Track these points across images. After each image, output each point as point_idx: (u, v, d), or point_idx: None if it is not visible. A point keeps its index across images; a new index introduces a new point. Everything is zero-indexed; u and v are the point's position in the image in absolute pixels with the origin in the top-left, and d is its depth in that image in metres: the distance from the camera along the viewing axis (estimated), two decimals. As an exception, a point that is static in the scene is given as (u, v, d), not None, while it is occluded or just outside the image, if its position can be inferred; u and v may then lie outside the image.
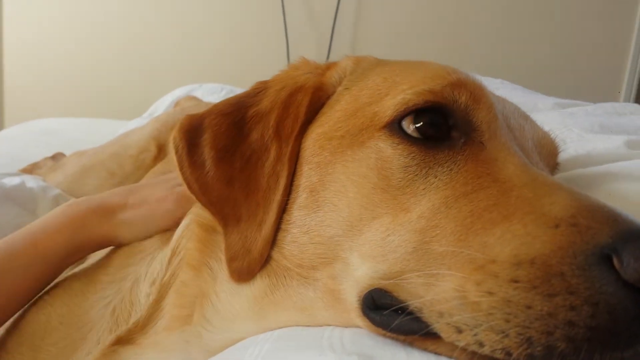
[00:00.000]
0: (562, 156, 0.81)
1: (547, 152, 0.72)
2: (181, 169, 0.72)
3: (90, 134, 2.42)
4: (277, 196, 0.67)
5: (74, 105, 3.59)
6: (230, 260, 0.69)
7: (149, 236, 0.91)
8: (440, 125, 0.61)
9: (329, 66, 0.78)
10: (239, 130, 0.73)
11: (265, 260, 0.68)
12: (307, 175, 0.67)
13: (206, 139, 0.73)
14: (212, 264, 0.74)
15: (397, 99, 0.63)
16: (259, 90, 0.78)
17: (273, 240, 0.68)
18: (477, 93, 0.63)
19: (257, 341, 0.63)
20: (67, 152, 1.93)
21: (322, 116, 0.71)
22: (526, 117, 0.74)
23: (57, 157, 1.94)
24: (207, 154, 0.72)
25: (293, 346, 0.59)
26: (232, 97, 0.79)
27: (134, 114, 2.79)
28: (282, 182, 0.68)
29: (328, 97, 0.73)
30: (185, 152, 0.73)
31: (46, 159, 1.94)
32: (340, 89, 0.73)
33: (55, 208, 0.93)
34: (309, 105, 0.71)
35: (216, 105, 0.77)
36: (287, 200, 0.68)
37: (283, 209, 0.68)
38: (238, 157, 0.72)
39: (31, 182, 1.50)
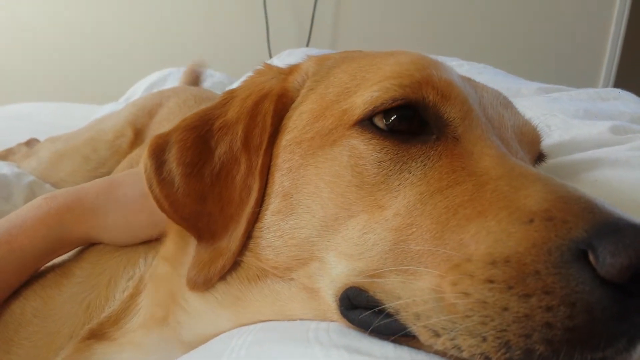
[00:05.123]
0: (547, 142, 0.80)
1: (528, 140, 0.70)
2: (150, 187, 0.71)
3: (64, 118, 2.37)
4: (248, 209, 0.66)
5: (47, 90, 3.50)
6: (190, 268, 0.69)
7: (134, 243, 0.85)
8: (412, 120, 0.60)
9: (292, 70, 0.76)
10: (206, 144, 0.71)
11: (235, 265, 0.67)
12: (279, 182, 0.66)
13: (173, 155, 0.71)
14: (181, 271, 0.73)
15: (365, 96, 0.61)
16: (226, 100, 0.76)
17: (245, 247, 0.67)
18: (446, 90, 0.61)
19: (240, 333, 0.62)
20: (41, 138, 1.89)
21: (289, 121, 0.69)
22: (507, 105, 0.72)
23: (31, 143, 1.91)
24: (175, 170, 0.70)
25: (276, 338, 0.58)
26: (200, 110, 0.77)
27: (109, 98, 2.73)
28: (254, 195, 0.66)
29: (293, 102, 0.71)
30: (153, 170, 0.71)
31: (20, 144, 1.90)
32: (304, 91, 0.71)
33: (31, 201, 0.86)
34: (274, 115, 0.69)
35: (184, 119, 0.75)
36: (260, 209, 0.67)
37: (256, 218, 0.67)
38: (208, 171, 0.70)
39: (5, 168, 1.48)
